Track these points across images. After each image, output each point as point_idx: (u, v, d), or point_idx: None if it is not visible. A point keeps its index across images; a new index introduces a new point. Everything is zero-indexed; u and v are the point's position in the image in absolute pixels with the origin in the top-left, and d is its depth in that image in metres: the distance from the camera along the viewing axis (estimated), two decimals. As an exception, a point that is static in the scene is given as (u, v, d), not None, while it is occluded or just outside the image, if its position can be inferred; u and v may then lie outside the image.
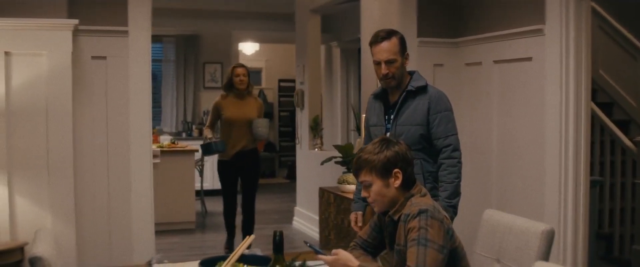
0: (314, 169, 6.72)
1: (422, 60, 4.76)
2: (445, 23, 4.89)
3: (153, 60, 10.38)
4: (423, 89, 3.29)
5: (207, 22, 9.86)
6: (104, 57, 4.19)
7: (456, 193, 3.27)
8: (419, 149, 3.26)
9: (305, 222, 7.35)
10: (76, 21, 3.94)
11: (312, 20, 7.38)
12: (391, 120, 3.34)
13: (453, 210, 3.25)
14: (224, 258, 2.66)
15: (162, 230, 6.98)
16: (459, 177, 3.27)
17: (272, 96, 12.38)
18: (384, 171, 2.58)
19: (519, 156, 4.34)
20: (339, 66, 9.91)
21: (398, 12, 4.78)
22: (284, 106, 12.16)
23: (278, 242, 2.15)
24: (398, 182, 2.58)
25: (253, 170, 6.10)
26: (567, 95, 3.94)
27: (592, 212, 4.51)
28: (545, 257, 2.79)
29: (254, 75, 12.66)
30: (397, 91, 3.36)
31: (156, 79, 10.50)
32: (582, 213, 3.99)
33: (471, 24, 4.78)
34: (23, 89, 3.89)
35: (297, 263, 2.42)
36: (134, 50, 4.23)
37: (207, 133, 5.97)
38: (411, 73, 3.42)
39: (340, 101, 9.95)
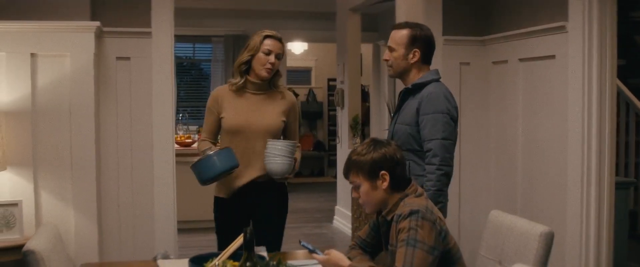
0: (352, 168, 6.70)
1: (447, 59, 4.70)
2: (471, 21, 4.81)
3: (203, 60, 10.72)
4: (419, 87, 3.21)
5: (255, 21, 9.94)
6: (128, 58, 4.29)
7: (433, 202, 3.01)
8: (409, 149, 3.17)
9: (345, 221, 7.35)
10: (98, 23, 4.04)
11: (351, 19, 7.37)
12: (394, 118, 3.33)
13: None
14: (215, 255, 2.69)
15: (200, 228, 7.10)
16: (436, 185, 3.07)
17: (321, 95, 12.42)
18: (371, 173, 2.56)
19: (543, 156, 4.23)
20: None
21: (423, 10, 4.73)
22: (334, 106, 12.19)
23: (248, 240, 2.16)
24: (385, 184, 2.56)
25: (273, 217, 3.67)
26: (590, 95, 3.82)
27: (620, 214, 4.37)
28: (544, 260, 2.73)
29: (303, 74, 12.82)
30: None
31: (205, 78, 10.69)
32: (606, 215, 3.86)
33: (497, 21, 4.68)
34: (48, 89, 4.01)
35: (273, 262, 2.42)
36: (157, 51, 4.32)
37: (202, 146, 3.61)
38: (430, 71, 3.37)
39: (389, 100, 9.91)
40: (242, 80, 3.56)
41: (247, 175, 3.51)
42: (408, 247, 2.42)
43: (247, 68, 3.56)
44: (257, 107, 3.56)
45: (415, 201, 2.55)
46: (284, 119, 3.61)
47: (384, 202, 2.59)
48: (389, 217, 2.59)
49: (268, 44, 3.52)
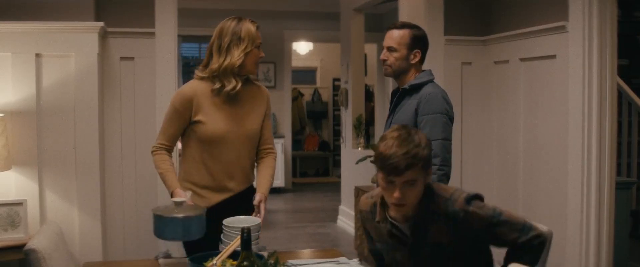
0: (356, 167, 6.74)
1: (449, 59, 4.73)
2: (473, 21, 4.83)
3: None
4: (417, 88, 3.20)
5: (260, 22, 9.90)
6: (132, 58, 4.33)
7: None
8: None
9: (349, 220, 7.38)
10: (102, 24, 4.08)
11: (355, 19, 7.40)
12: (389, 118, 3.32)
13: None
14: (215, 255, 2.71)
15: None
16: None
17: (326, 95, 12.45)
18: (427, 164, 2.32)
19: (544, 156, 4.25)
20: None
21: (425, 10, 4.75)
22: (339, 105, 12.22)
23: (246, 239, 2.18)
24: (429, 173, 2.38)
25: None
26: (590, 94, 3.84)
27: (622, 214, 4.38)
28: (543, 259, 2.73)
29: (308, 74, 12.84)
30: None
31: (212, 78, 10.72)
32: (606, 215, 3.87)
33: (499, 21, 4.70)
34: (52, 89, 4.05)
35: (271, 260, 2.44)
36: (161, 51, 4.35)
37: (171, 183, 3.03)
38: (423, 71, 3.36)
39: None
40: (221, 79, 3.02)
41: (227, 189, 3.11)
42: (505, 221, 2.34)
43: (238, 66, 3.02)
44: (238, 110, 3.10)
45: (443, 186, 2.44)
46: (262, 118, 3.20)
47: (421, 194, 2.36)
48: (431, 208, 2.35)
49: (259, 36, 3.12)
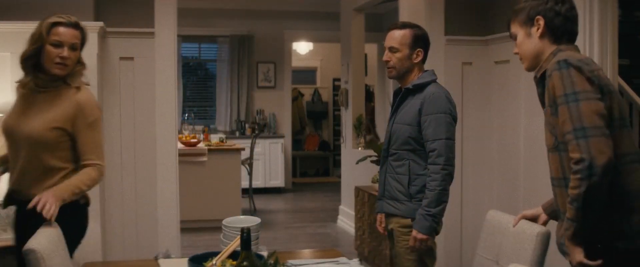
0: (356, 167, 6.73)
1: (450, 59, 4.72)
2: (473, 21, 4.82)
3: (208, 61, 10.79)
4: (421, 88, 3.19)
5: (260, 22, 10.01)
6: (132, 58, 4.33)
7: (437, 201, 3.05)
8: (408, 149, 3.15)
9: (349, 220, 7.37)
10: (101, 23, 4.08)
11: (356, 19, 7.40)
12: (391, 118, 3.31)
13: (433, 219, 3.04)
14: (214, 255, 2.70)
15: (208, 227, 7.15)
16: (441, 185, 3.04)
17: (326, 95, 12.44)
18: (528, 18, 2.42)
19: (545, 156, 4.22)
20: (392, 64, 9.90)
21: (426, 10, 4.74)
22: (339, 105, 12.21)
23: (246, 239, 2.18)
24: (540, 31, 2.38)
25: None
26: (591, 94, 3.82)
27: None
28: (540, 260, 2.74)
29: (309, 74, 12.85)
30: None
31: (212, 78, 10.73)
32: (607, 215, 3.86)
33: (499, 21, 4.69)
34: (52, 89, 4.05)
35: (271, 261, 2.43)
36: (160, 51, 4.35)
37: None
38: (426, 71, 3.35)
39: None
40: (30, 79, 2.85)
41: (17, 189, 2.91)
42: (568, 109, 2.13)
43: (35, 62, 2.83)
44: (30, 111, 2.85)
45: (569, 53, 2.29)
46: (60, 126, 2.81)
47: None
48: (538, 75, 2.37)
49: (58, 33, 2.84)
